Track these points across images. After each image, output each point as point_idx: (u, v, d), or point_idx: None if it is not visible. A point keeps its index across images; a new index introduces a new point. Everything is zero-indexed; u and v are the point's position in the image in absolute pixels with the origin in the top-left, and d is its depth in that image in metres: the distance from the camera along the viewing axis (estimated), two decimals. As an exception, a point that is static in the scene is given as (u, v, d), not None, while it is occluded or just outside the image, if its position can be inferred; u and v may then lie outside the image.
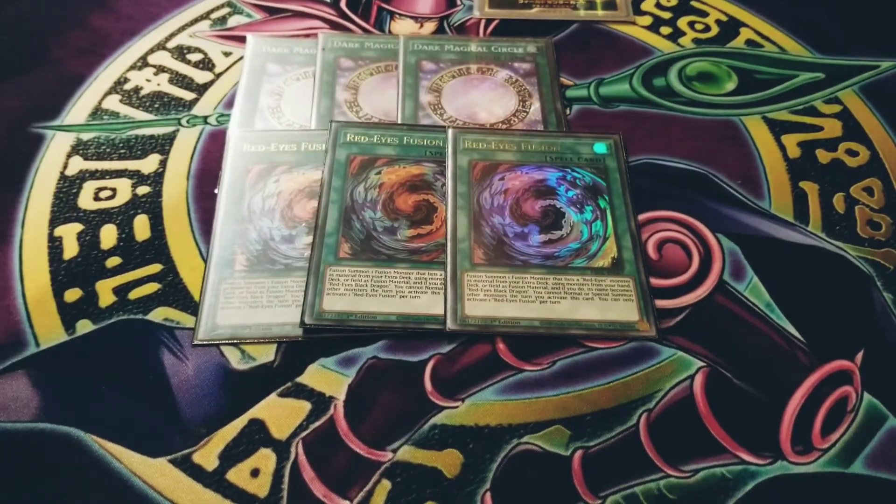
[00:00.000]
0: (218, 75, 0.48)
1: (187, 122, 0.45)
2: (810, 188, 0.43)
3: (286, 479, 0.31)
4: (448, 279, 0.37)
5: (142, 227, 0.40)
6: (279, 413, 0.33)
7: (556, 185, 0.41)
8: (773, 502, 0.31)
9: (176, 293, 0.37)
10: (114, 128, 0.44)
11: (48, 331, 0.35)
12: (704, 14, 0.54)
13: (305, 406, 0.33)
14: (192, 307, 0.36)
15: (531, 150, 0.43)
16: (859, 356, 0.36)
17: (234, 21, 0.51)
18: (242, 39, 0.50)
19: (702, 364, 0.35)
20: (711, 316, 0.37)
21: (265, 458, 0.32)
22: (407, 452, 0.32)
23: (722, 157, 0.44)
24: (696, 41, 0.52)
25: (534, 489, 0.31)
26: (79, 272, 0.38)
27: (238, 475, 0.31)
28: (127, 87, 0.47)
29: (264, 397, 0.33)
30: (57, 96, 0.46)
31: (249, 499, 0.31)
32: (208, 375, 0.34)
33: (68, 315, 0.36)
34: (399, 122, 0.45)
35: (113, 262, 0.38)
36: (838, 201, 0.42)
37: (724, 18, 0.53)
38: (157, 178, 0.42)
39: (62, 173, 0.42)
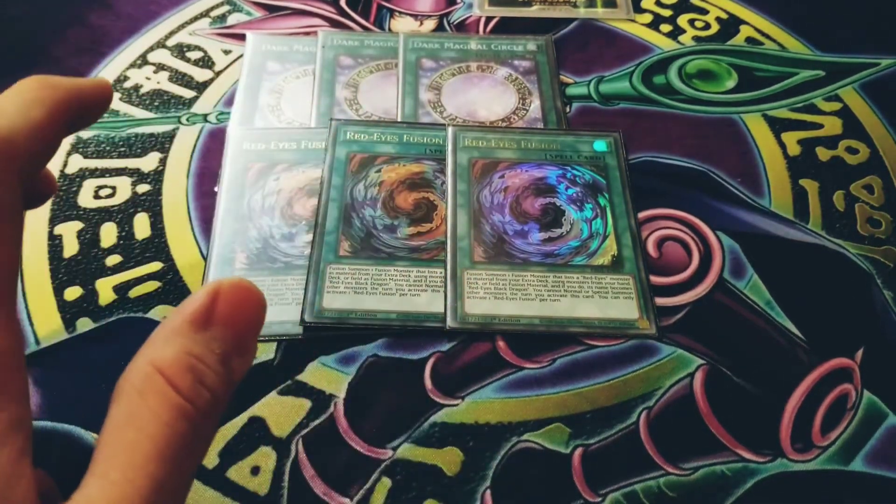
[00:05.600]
0: (218, 73, 0.48)
1: (187, 120, 0.45)
2: (810, 186, 0.43)
3: (286, 477, 0.31)
4: (448, 277, 0.37)
5: (142, 225, 0.40)
6: (279, 411, 0.33)
7: (555, 183, 0.41)
8: (772, 500, 0.31)
9: (176, 291, 0.37)
10: (113, 126, 0.44)
11: (48, 329, 0.35)
12: (704, 12, 0.54)
13: (305, 404, 0.33)
14: (192, 305, 0.36)
15: (531, 147, 0.43)
16: (859, 354, 0.36)
17: (233, 19, 0.51)
18: (242, 37, 0.50)
19: (702, 362, 0.35)
20: (711, 314, 0.37)
21: (265, 456, 0.32)
22: (407, 450, 0.32)
23: (722, 154, 0.44)
24: (696, 39, 0.52)
25: (534, 487, 0.31)
26: (79, 270, 0.38)
27: (238, 473, 0.31)
28: (126, 85, 0.47)
29: (264, 395, 0.33)
30: (56, 94, 0.46)
31: (250, 497, 0.31)
32: (208, 373, 0.34)
33: (68, 313, 0.36)
34: (399, 119, 0.45)
35: (113, 260, 0.38)
36: (838, 199, 0.42)
37: (724, 16, 0.53)
38: (156, 177, 0.42)
39: (62, 171, 0.42)
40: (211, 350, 0.20)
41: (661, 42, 0.51)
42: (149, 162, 0.42)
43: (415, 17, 0.52)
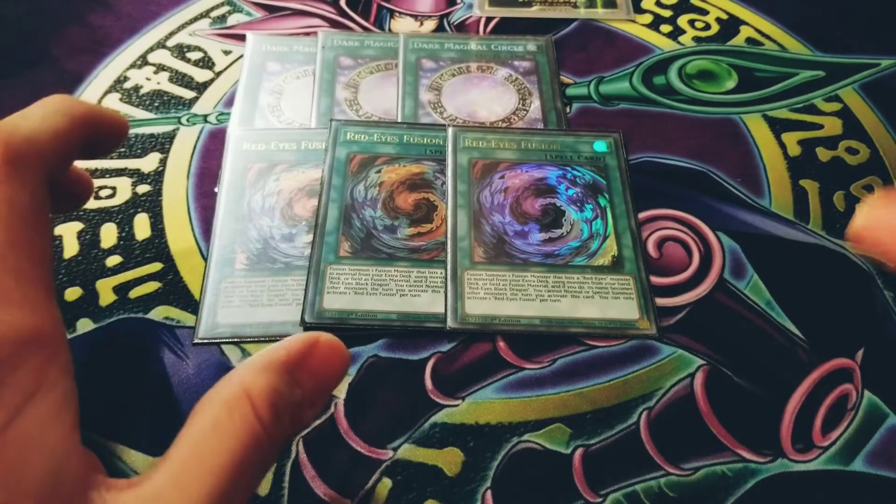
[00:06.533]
0: (218, 74, 0.48)
1: (187, 120, 0.45)
2: (810, 186, 0.43)
3: (287, 478, 0.31)
4: (448, 277, 0.37)
5: (142, 225, 0.40)
6: (280, 411, 0.33)
7: (556, 184, 0.41)
8: (773, 500, 0.31)
9: (176, 292, 0.37)
10: (113, 126, 0.44)
11: (48, 329, 0.35)
12: (705, 12, 0.54)
13: (306, 404, 0.33)
14: (192, 306, 0.36)
15: (531, 148, 0.43)
16: (860, 354, 0.36)
17: (233, 19, 0.51)
18: (242, 38, 0.50)
19: (702, 362, 0.35)
20: (712, 314, 0.37)
21: (266, 457, 0.32)
22: (407, 451, 0.32)
23: (722, 155, 0.44)
24: (697, 39, 0.52)
25: (534, 487, 0.31)
26: (79, 271, 0.38)
27: (239, 474, 0.31)
28: (127, 85, 0.47)
29: (265, 396, 0.33)
30: (56, 95, 0.46)
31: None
32: (209, 374, 0.34)
33: (69, 314, 0.36)
34: (399, 120, 0.45)
35: (113, 260, 0.38)
36: (838, 199, 0.42)
37: (724, 16, 0.53)
38: (157, 177, 0.42)
39: (62, 172, 0.42)
40: (293, 394, 0.22)
41: (661, 42, 0.51)
42: (149, 162, 0.42)
43: (415, 17, 0.52)
